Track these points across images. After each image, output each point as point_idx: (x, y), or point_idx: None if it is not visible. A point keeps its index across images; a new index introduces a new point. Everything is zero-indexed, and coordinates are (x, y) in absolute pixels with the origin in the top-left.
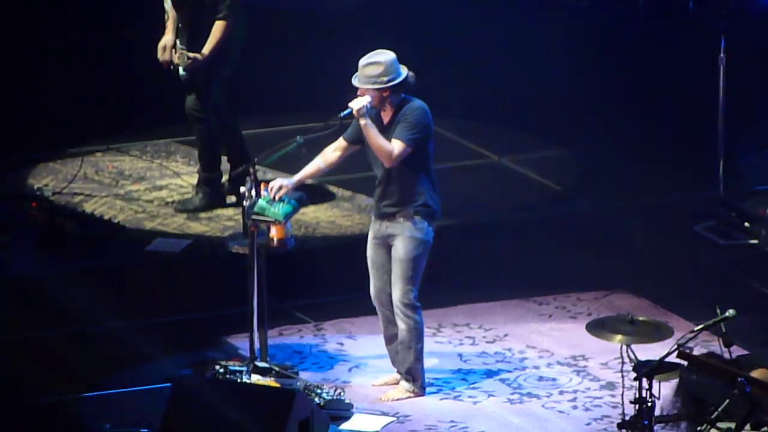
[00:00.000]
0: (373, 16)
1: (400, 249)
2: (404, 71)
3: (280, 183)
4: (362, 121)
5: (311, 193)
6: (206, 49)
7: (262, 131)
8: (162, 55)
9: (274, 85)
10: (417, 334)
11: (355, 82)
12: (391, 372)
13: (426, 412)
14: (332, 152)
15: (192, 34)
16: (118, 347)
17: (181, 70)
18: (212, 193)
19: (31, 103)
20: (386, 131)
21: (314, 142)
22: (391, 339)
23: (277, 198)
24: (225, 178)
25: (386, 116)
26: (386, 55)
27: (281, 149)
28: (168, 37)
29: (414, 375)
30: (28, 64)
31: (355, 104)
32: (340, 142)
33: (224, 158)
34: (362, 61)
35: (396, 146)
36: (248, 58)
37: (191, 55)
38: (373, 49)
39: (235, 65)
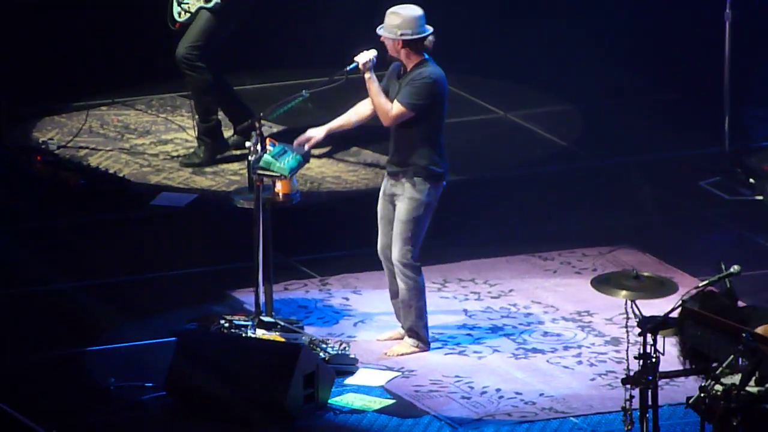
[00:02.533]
0: None
1: (401, 209)
2: (428, 30)
3: (310, 134)
4: (367, 75)
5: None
6: None
7: (268, 86)
8: None
9: (280, 39)
10: (416, 293)
11: (378, 30)
12: (396, 327)
13: (431, 367)
14: (364, 105)
15: None
16: (124, 301)
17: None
18: (214, 143)
19: (35, 57)
20: (396, 86)
21: (320, 97)
22: (395, 294)
23: (308, 147)
24: (230, 133)
25: (404, 72)
26: (410, 10)
27: (287, 104)
28: None
29: (417, 332)
30: (33, 18)
31: (361, 58)
32: None
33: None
34: (389, 10)
35: (395, 107)
36: (256, 11)
37: None
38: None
39: (244, 19)
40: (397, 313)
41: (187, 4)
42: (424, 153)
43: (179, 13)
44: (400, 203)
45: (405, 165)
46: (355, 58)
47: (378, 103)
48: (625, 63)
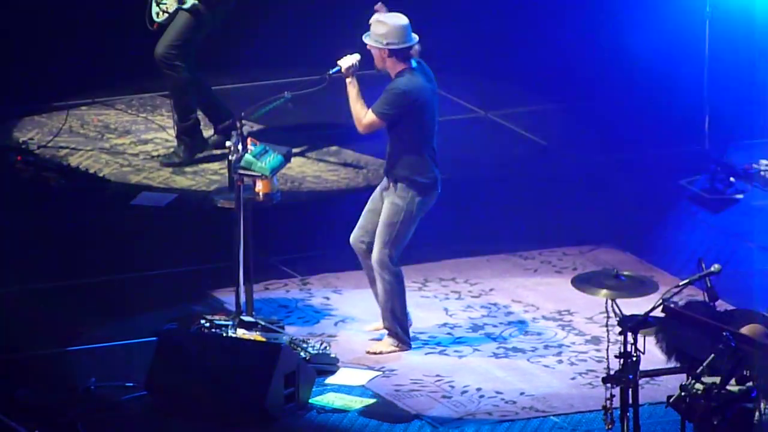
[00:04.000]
0: None
1: (384, 211)
2: (414, 39)
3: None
4: (348, 79)
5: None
6: None
7: (250, 85)
8: None
9: (263, 39)
10: (393, 295)
11: (364, 38)
12: (379, 321)
13: (412, 366)
14: None
15: None
16: (104, 301)
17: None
18: (193, 142)
19: (15, 57)
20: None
21: (301, 98)
22: (373, 281)
23: (354, 64)
24: (210, 133)
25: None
26: (396, 19)
27: (268, 104)
28: None
29: (395, 332)
30: (12, 18)
31: (345, 62)
32: None
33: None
34: (373, 18)
35: (367, 115)
36: (239, 12)
37: None
38: (368, 7)
39: (223, 19)
40: (377, 302)
41: (165, 4)
42: (407, 162)
43: (157, 14)
44: (384, 205)
45: (392, 170)
46: (339, 62)
47: (354, 109)
48: (604, 61)
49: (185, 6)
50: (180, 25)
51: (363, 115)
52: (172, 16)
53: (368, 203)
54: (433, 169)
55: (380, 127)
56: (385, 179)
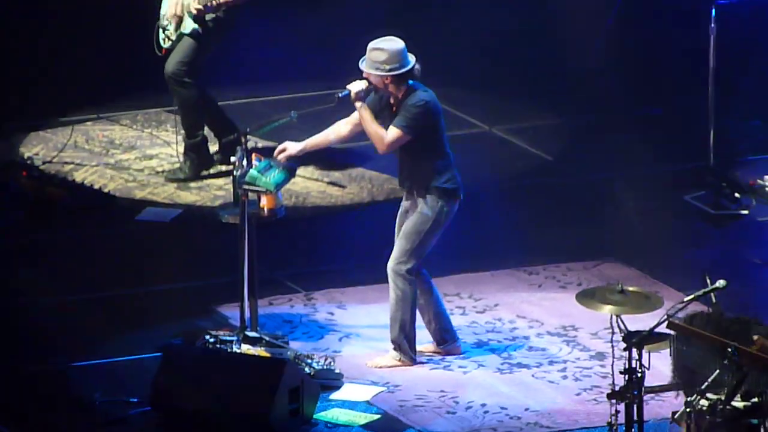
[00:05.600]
0: None
1: (410, 220)
2: (412, 61)
3: (286, 146)
4: (358, 104)
5: (302, 162)
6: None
7: (257, 101)
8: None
9: (269, 55)
10: (403, 305)
11: (361, 65)
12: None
13: (416, 381)
14: (344, 125)
15: None
16: (109, 316)
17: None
18: (200, 159)
19: (21, 72)
20: (393, 117)
21: (308, 118)
22: (422, 309)
23: (280, 158)
24: (215, 148)
25: (394, 103)
26: (394, 43)
27: (274, 121)
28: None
29: (400, 344)
30: (19, 33)
31: (354, 87)
32: (355, 116)
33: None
34: (370, 45)
35: (390, 133)
36: (248, 26)
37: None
38: (371, 23)
39: (225, 36)
40: (426, 326)
41: (168, 31)
42: (434, 171)
43: (164, 40)
44: (409, 215)
45: (416, 185)
46: (348, 86)
47: (373, 131)
48: (609, 76)
49: (186, 31)
50: (186, 46)
51: (384, 134)
52: (177, 41)
53: (397, 226)
54: (456, 174)
55: (403, 143)
56: (405, 199)
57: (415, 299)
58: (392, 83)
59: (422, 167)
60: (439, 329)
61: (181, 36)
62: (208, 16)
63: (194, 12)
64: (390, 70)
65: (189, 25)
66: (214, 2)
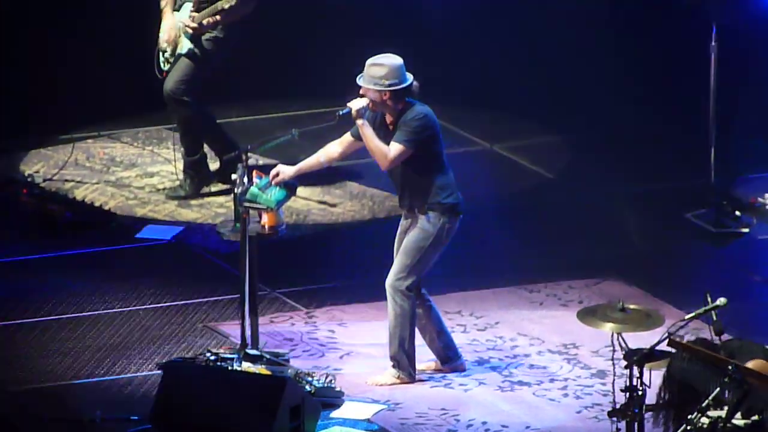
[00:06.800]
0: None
1: (410, 236)
2: (410, 78)
3: (279, 170)
4: (359, 122)
5: (303, 180)
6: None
7: (258, 118)
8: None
9: (272, 72)
10: (402, 321)
11: (359, 80)
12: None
13: (417, 399)
14: (335, 146)
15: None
16: (109, 334)
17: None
18: (199, 177)
19: (22, 90)
20: (390, 135)
21: (309, 135)
22: (422, 329)
23: (274, 183)
24: (216, 165)
25: (390, 121)
26: (392, 59)
27: (275, 140)
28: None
29: (399, 361)
30: (19, 51)
31: (355, 104)
32: (346, 137)
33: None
34: (369, 61)
35: (392, 148)
36: (249, 44)
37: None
38: (372, 41)
39: (228, 55)
40: (429, 345)
41: (167, 54)
42: (434, 187)
43: (163, 62)
44: (410, 231)
45: (417, 202)
46: (349, 104)
47: (375, 147)
48: (610, 95)
49: (183, 51)
50: (184, 66)
51: (387, 150)
52: (175, 62)
53: (396, 244)
54: (456, 190)
55: (406, 157)
56: (404, 218)
57: (414, 316)
58: (390, 99)
59: (423, 184)
60: (443, 347)
61: (179, 56)
62: (205, 36)
63: (190, 31)
64: (389, 86)
65: (186, 45)
66: (210, 20)
